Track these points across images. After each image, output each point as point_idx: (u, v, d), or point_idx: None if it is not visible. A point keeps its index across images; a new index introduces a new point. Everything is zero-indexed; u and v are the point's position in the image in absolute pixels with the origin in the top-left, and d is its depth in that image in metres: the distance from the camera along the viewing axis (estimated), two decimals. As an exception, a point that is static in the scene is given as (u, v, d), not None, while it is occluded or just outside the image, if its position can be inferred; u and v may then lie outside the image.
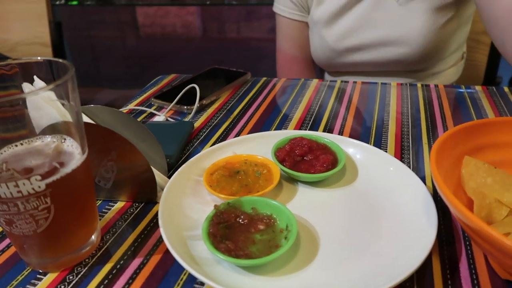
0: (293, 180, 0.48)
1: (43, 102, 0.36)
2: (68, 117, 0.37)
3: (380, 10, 0.81)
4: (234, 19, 3.08)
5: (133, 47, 3.24)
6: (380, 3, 0.81)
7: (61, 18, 2.34)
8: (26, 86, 0.40)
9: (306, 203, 0.45)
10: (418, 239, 0.37)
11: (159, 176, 0.47)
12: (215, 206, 0.40)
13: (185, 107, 0.68)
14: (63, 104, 0.36)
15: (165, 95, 0.72)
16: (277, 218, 0.40)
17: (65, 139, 0.38)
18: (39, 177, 0.33)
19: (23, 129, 0.37)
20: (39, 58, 0.37)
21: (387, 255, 0.37)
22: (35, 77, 0.39)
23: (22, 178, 0.32)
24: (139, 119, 0.67)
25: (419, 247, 0.36)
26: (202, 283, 0.36)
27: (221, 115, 0.67)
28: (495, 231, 0.27)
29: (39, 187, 0.33)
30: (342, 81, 0.79)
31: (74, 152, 0.37)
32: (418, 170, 0.50)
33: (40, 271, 0.38)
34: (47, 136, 0.38)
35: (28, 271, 0.38)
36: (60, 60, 0.36)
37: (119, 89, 2.39)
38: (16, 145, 0.37)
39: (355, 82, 0.78)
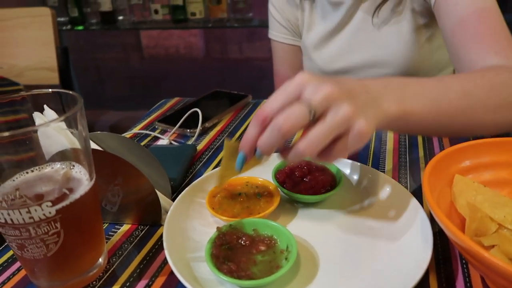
0: (292, 201, 0.50)
1: (53, 131, 0.38)
2: (77, 144, 0.39)
3: (363, 34, 0.85)
4: (236, 40, 3.14)
5: (137, 68, 3.30)
6: (362, 28, 0.85)
7: (67, 42, 2.39)
8: (37, 116, 0.42)
9: (305, 224, 0.46)
10: (415, 258, 0.38)
11: (163, 199, 0.49)
12: (218, 228, 0.42)
13: (188, 130, 0.70)
14: (72, 133, 0.38)
15: (169, 119, 0.74)
16: (277, 239, 0.42)
17: (73, 165, 0.40)
18: (50, 204, 0.34)
19: (32, 152, 0.39)
20: (50, 90, 0.39)
21: (384, 274, 0.38)
22: (45, 106, 0.41)
23: (34, 205, 0.34)
24: (143, 143, 0.69)
25: (415, 266, 0.37)
26: (206, 304, 0.37)
27: (223, 138, 0.69)
28: (487, 252, 0.28)
29: (50, 213, 0.35)
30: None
31: (83, 178, 0.39)
32: (415, 190, 0.52)
33: (49, 293, 0.39)
34: (57, 162, 0.40)
35: (38, 294, 0.39)
36: (70, 92, 0.38)
37: (123, 111, 2.42)
38: (27, 172, 0.39)
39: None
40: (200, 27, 2.44)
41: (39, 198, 0.35)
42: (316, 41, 0.92)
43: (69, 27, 2.15)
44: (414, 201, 0.45)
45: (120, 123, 2.16)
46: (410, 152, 0.61)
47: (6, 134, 0.32)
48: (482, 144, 0.42)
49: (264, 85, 0.84)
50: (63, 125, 0.37)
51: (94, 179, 0.39)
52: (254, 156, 0.41)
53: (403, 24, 0.81)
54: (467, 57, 0.58)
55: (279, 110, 0.38)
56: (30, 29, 1.54)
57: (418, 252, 0.39)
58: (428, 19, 0.80)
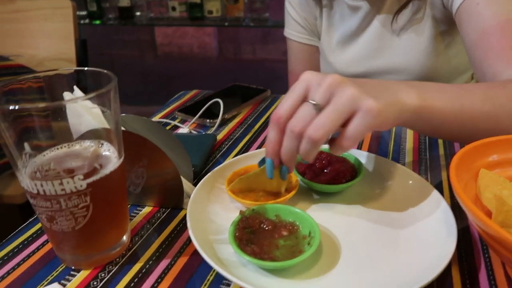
0: (312, 192, 0.50)
1: (83, 110, 0.39)
2: (107, 125, 0.39)
3: (382, 40, 0.85)
4: (250, 40, 3.15)
5: (151, 65, 3.32)
6: (381, 34, 0.85)
7: (85, 36, 2.43)
8: (66, 95, 0.43)
9: (326, 213, 0.46)
10: (437, 250, 0.38)
11: (185, 183, 0.50)
12: (241, 212, 0.42)
13: (208, 120, 0.70)
14: (103, 112, 0.39)
15: (189, 109, 0.75)
16: (300, 225, 0.42)
17: (102, 144, 0.40)
18: (81, 177, 0.35)
19: (62, 130, 0.39)
20: (85, 68, 0.40)
21: (406, 265, 0.38)
22: (75, 87, 0.42)
23: (67, 177, 0.34)
24: (163, 131, 0.70)
25: (438, 258, 0.37)
26: (228, 284, 0.38)
27: (242, 129, 0.70)
28: (514, 238, 0.28)
29: (81, 186, 0.35)
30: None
31: (111, 156, 0.39)
32: (436, 186, 0.51)
33: (74, 267, 0.40)
34: (86, 140, 0.40)
35: (63, 267, 0.40)
36: (105, 71, 0.39)
37: (137, 105, 2.44)
38: (58, 148, 0.40)
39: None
40: (216, 25, 2.46)
41: (70, 172, 0.36)
42: (335, 44, 0.91)
43: (87, 21, 2.18)
44: (436, 194, 0.45)
45: (133, 117, 2.16)
46: (431, 150, 0.61)
47: (42, 105, 0.33)
48: (509, 140, 0.42)
49: (277, 87, 0.84)
50: (91, 104, 0.38)
51: (122, 158, 0.40)
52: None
53: (422, 30, 0.81)
54: (490, 70, 0.58)
55: (290, 111, 0.40)
56: (50, 20, 1.57)
57: (441, 244, 0.39)
58: (447, 26, 0.80)
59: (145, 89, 3.07)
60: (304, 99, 0.40)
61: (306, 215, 0.42)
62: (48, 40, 1.58)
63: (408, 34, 0.83)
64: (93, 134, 0.40)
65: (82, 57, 1.58)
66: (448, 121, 0.45)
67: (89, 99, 0.35)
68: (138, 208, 0.49)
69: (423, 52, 0.82)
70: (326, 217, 0.45)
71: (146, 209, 0.49)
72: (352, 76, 0.91)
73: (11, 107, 0.32)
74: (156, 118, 0.75)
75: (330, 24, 0.92)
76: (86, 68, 0.40)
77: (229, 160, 0.54)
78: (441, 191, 0.50)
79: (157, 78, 3.13)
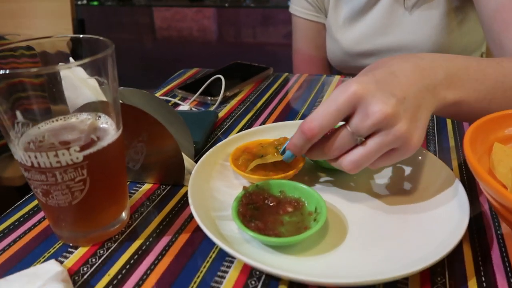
0: (319, 168, 0.48)
1: (79, 82, 0.37)
2: (104, 97, 0.37)
3: (392, 17, 0.83)
4: (250, 23, 3.10)
5: (150, 49, 3.28)
6: (392, 10, 0.82)
7: (83, 17, 2.39)
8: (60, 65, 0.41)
9: (332, 189, 0.45)
10: (449, 227, 0.37)
11: (186, 160, 0.48)
12: (244, 187, 0.41)
13: (209, 98, 0.69)
14: (100, 84, 0.37)
15: (189, 87, 0.73)
16: (305, 201, 0.40)
17: (100, 116, 0.38)
18: (77, 148, 0.33)
19: (57, 102, 0.37)
20: (80, 36, 0.38)
21: (416, 242, 0.37)
22: (70, 58, 0.40)
23: (62, 148, 0.33)
24: (163, 109, 0.68)
25: (449, 235, 0.36)
26: (231, 261, 0.36)
27: (244, 107, 0.68)
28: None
29: (77, 158, 0.34)
30: (364, 78, 0.79)
31: (109, 128, 0.38)
32: (444, 160, 0.50)
33: (71, 244, 0.39)
34: (83, 113, 0.39)
35: (60, 244, 0.39)
36: (100, 38, 0.37)
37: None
38: (53, 121, 0.38)
39: (377, 80, 0.78)
40: (216, 6, 2.41)
41: (66, 144, 0.34)
42: (342, 21, 0.89)
43: (84, 1, 2.14)
44: (446, 169, 0.43)
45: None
46: (438, 127, 0.59)
47: (34, 69, 0.31)
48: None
49: (277, 70, 0.82)
50: (87, 75, 0.36)
51: (121, 130, 0.38)
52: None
53: (436, 7, 0.78)
54: (509, 43, 0.56)
55: (326, 128, 0.37)
56: (47, 0, 1.53)
57: (453, 220, 0.37)
58: (460, 2, 0.78)
59: (144, 73, 3.03)
60: (350, 114, 0.37)
61: (312, 191, 0.40)
62: (45, 20, 1.55)
63: (421, 10, 0.80)
64: (90, 107, 0.38)
65: (79, 38, 1.55)
66: (476, 110, 0.43)
67: (84, 66, 0.34)
68: (137, 185, 0.47)
69: (435, 29, 0.79)
70: (332, 193, 0.44)
71: (146, 186, 0.47)
72: (359, 54, 0.88)
73: (1, 71, 0.30)
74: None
75: (338, 0, 0.89)
76: (81, 36, 0.38)
77: (232, 136, 0.52)
78: (451, 167, 0.48)
79: (156, 62, 3.09)
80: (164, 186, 0.47)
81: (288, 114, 0.65)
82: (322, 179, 0.47)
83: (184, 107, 0.67)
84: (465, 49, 0.87)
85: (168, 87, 0.77)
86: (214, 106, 0.67)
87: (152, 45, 3.32)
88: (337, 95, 0.37)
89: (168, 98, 0.71)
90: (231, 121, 0.63)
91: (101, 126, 0.38)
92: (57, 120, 0.38)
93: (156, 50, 3.26)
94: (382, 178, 0.46)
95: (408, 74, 0.39)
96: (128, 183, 0.48)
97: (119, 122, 0.38)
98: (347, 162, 0.38)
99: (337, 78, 0.80)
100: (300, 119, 0.63)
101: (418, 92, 0.38)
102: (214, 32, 3.20)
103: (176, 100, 0.69)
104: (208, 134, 0.58)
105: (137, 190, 0.47)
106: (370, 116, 0.35)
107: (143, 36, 3.31)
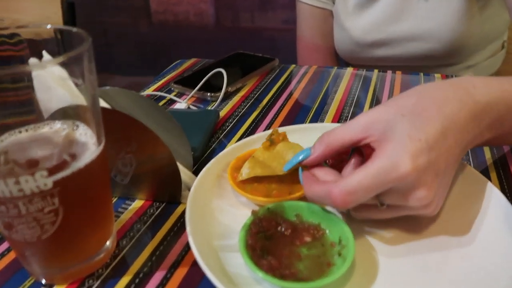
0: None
1: (52, 82, 0.30)
2: (83, 100, 0.30)
3: (406, 3, 0.76)
4: (248, 8, 3.00)
5: (145, 33, 3.17)
6: None
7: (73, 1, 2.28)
8: (33, 62, 0.34)
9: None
10: (498, 258, 0.31)
11: (183, 172, 0.41)
12: (253, 212, 0.34)
13: (209, 94, 0.61)
14: (76, 84, 0.30)
15: (186, 80, 0.65)
16: (326, 229, 0.34)
17: (77, 126, 0.31)
18: (45, 173, 0.26)
19: (30, 115, 0.31)
20: (48, 26, 0.31)
21: (462, 280, 0.30)
22: (44, 52, 0.32)
23: (25, 174, 0.26)
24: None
25: (502, 268, 0.29)
26: (239, 307, 0.30)
27: (248, 104, 0.61)
28: None
29: (45, 184, 0.27)
30: (380, 71, 0.72)
31: (89, 142, 0.31)
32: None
33: (45, 282, 0.32)
34: (57, 121, 0.32)
35: (31, 282, 0.32)
36: (74, 29, 0.30)
37: (131, 76, 2.33)
38: (20, 132, 0.31)
39: (394, 73, 0.71)
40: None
41: (32, 165, 0.27)
42: (352, 8, 0.81)
43: (76, -17, 2.03)
44: (495, 191, 0.36)
45: (128, 88, 2.06)
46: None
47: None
48: None
49: (277, 56, 0.74)
50: (64, 73, 0.29)
51: (103, 144, 0.31)
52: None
53: None
54: None
55: (361, 200, 0.31)
56: (34, -19, 1.44)
57: (504, 248, 0.31)
58: None
59: (141, 59, 2.94)
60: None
61: (334, 215, 0.34)
62: (33, 2, 1.46)
63: None
64: (66, 113, 0.31)
65: (70, 22, 1.46)
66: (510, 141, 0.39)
67: (57, 63, 0.26)
68: (126, 203, 0.41)
69: (454, 15, 0.72)
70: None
71: (137, 204, 0.40)
72: (369, 44, 0.81)
73: None
74: (149, 91, 0.65)
75: None
76: (48, 26, 0.31)
77: (235, 144, 0.45)
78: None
79: (153, 47, 2.99)
80: (157, 204, 0.40)
81: (298, 112, 0.58)
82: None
83: (181, 104, 0.59)
84: (485, 38, 0.80)
85: (163, 80, 0.70)
86: (215, 104, 0.60)
87: (148, 29, 3.21)
88: (386, 170, 0.29)
89: (162, 93, 0.63)
90: (234, 121, 0.56)
91: (78, 138, 0.31)
92: (26, 131, 0.31)
93: (152, 34, 3.15)
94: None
95: (461, 128, 0.32)
96: (115, 199, 0.41)
97: (100, 133, 0.31)
98: (358, 216, 0.35)
99: (349, 70, 0.73)
100: (312, 116, 0.56)
101: (460, 153, 0.34)
102: (211, 16, 3.09)
103: (171, 96, 0.62)
104: (209, 137, 0.51)
105: (126, 209, 0.40)
106: (409, 200, 0.31)
107: (138, 20, 3.20)
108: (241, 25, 3.02)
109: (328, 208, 0.34)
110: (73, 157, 0.29)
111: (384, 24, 0.79)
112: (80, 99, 0.30)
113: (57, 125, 0.32)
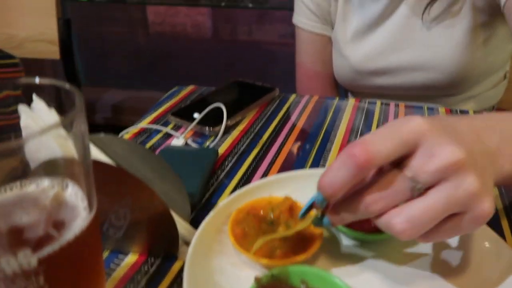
0: (344, 243, 0.39)
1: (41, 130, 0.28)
2: (73, 153, 0.28)
3: (407, 31, 0.74)
4: (246, 21, 3.00)
5: (142, 45, 3.17)
6: (407, 24, 0.74)
7: (71, 13, 2.27)
8: (22, 110, 0.32)
9: (367, 276, 0.35)
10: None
11: (181, 224, 0.39)
12: (256, 279, 0.31)
13: (207, 128, 0.59)
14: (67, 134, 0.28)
15: (184, 112, 0.63)
16: (334, 297, 0.31)
17: (67, 184, 0.29)
18: (29, 252, 0.24)
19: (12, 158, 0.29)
20: (37, 80, 0.28)
21: None
22: (34, 96, 0.30)
23: (6, 255, 0.23)
24: (153, 140, 0.58)
25: None
26: None
27: (248, 140, 0.59)
28: None
29: (30, 263, 0.24)
30: (382, 103, 0.70)
31: (79, 206, 0.28)
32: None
33: None
34: (44, 179, 0.29)
35: None
36: (66, 87, 0.28)
37: (127, 89, 2.31)
38: (5, 190, 0.28)
39: (397, 105, 0.70)
40: (212, 5, 2.31)
41: (15, 238, 0.25)
42: (351, 35, 0.80)
43: (73, -4, 2.02)
44: (500, 241, 0.34)
45: (124, 102, 2.05)
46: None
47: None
48: None
49: (274, 70, 0.73)
50: (55, 120, 0.27)
51: (95, 210, 0.28)
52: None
53: (459, 22, 0.70)
54: None
55: (386, 161, 0.28)
56: (32, -4, 1.42)
57: None
58: (489, 16, 0.69)
59: (137, 71, 2.92)
60: (407, 155, 0.28)
61: (340, 281, 0.31)
62: (29, 18, 1.44)
63: (441, 26, 0.71)
64: (55, 167, 0.29)
65: (65, 38, 1.45)
66: None
67: (48, 131, 0.24)
68: (119, 257, 0.38)
69: (458, 46, 0.71)
70: (367, 282, 0.34)
71: (130, 258, 0.38)
72: (370, 72, 0.80)
73: None
74: (145, 122, 0.63)
75: (347, 11, 0.80)
76: (37, 80, 0.28)
77: (236, 193, 0.42)
78: (503, 234, 0.40)
79: (149, 58, 2.98)
80: (153, 259, 0.38)
81: (301, 149, 0.56)
82: (350, 260, 0.37)
83: (179, 140, 0.57)
84: (489, 70, 0.79)
85: (160, 110, 0.67)
86: (214, 139, 0.58)
87: (145, 40, 3.20)
88: (399, 124, 0.29)
89: (159, 127, 0.61)
90: (234, 159, 0.54)
91: (68, 200, 0.28)
92: (10, 189, 0.29)
93: (149, 45, 3.14)
94: (430, 258, 0.37)
95: (466, 131, 0.31)
96: (107, 253, 0.38)
97: (91, 197, 0.28)
98: (400, 219, 0.28)
99: (351, 102, 0.71)
100: (315, 154, 0.54)
101: (480, 153, 0.30)
102: (208, 29, 3.09)
103: (168, 130, 0.60)
104: (207, 179, 0.48)
105: (118, 265, 0.37)
106: (437, 157, 0.27)
107: (135, 31, 3.19)
108: (238, 38, 3.02)
109: (335, 273, 0.32)
110: (62, 225, 0.26)
111: (385, 52, 0.78)
112: (70, 152, 0.28)
113: (45, 182, 0.29)
